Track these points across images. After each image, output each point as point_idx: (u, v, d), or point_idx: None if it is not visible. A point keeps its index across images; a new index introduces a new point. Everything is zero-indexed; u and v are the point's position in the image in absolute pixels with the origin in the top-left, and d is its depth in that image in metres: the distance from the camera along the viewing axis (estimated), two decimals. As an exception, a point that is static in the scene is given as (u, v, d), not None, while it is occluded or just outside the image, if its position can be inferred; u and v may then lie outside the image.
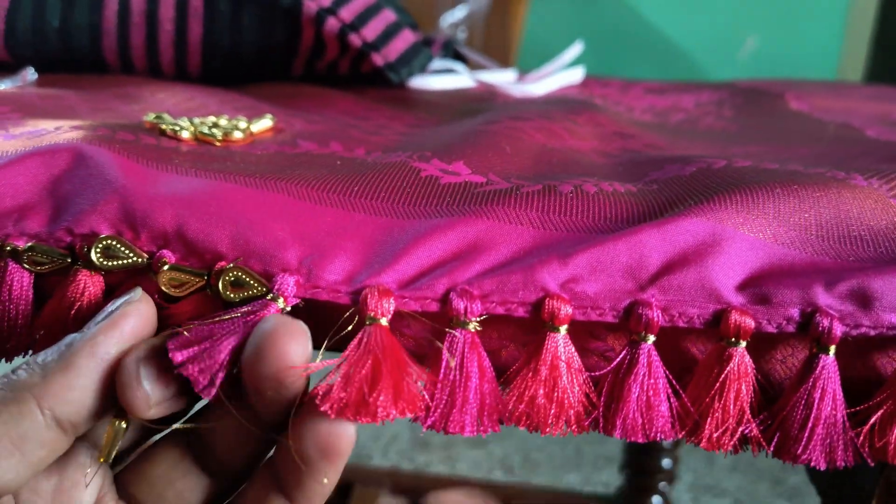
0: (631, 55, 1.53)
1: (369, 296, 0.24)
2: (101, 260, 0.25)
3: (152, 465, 0.27)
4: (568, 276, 0.26)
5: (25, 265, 0.26)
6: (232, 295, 0.25)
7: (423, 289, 0.25)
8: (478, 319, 0.25)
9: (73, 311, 0.26)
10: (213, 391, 0.23)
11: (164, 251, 0.26)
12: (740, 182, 0.31)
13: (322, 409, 0.23)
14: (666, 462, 0.96)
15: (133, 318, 0.24)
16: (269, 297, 0.25)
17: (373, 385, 0.23)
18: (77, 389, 0.23)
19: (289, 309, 0.25)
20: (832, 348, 0.26)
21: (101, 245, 0.25)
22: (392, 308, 0.25)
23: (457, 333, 0.25)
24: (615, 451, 1.35)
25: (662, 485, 0.96)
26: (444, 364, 0.25)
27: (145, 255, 0.26)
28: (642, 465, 0.96)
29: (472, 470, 1.31)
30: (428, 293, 0.25)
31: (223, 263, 0.25)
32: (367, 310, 0.24)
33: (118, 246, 0.26)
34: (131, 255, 0.26)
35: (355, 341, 0.24)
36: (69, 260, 0.26)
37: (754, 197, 0.29)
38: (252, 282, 0.25)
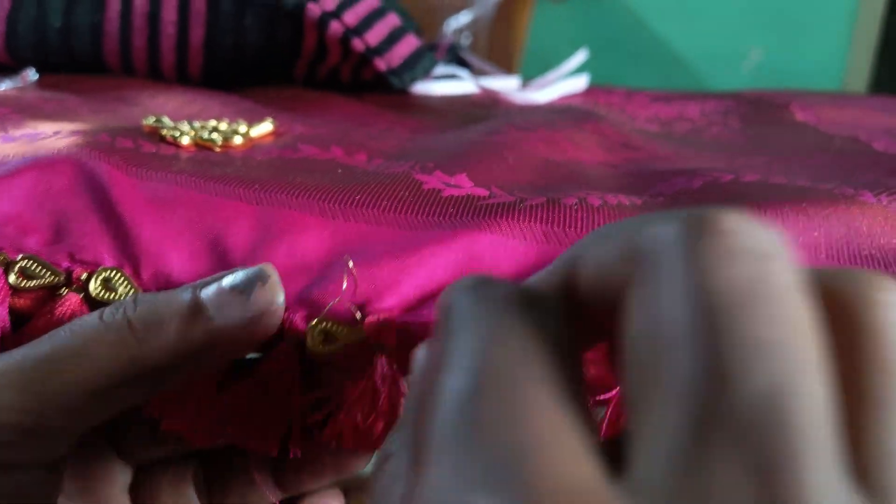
0: (635, 65, 1.53)
1: (376, 325, 0.24)
2: (99, 292, 0.25)
3: (161, 488, 0.27)
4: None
5: (12, 277, 0.25)
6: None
7: (427, 313, 0.25)
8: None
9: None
10: None
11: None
12: (748, 198, 0.30)
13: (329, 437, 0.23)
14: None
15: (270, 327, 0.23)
16: None
17: (374, 416, 0.23)
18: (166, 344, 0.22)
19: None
20: None
21: (101, 277, 0.25)
22: (395, 335, 0.24)
23: None
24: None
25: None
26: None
27: (141, 290, 0.26)
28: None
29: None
30: (432, 316, 0.25)
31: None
32: (373, 339, 0.24)
33: (118, 280, 0.25)
34: (131, 290, 0.25)
35: (363, 373, 0.24)
36: (62, 280, 0.26)
37: (764, 215, 0.29)
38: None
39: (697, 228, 0.12)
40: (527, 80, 0.71)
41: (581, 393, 0.12)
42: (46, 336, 0.22)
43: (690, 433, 0.10)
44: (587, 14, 1.52)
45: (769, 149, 0.53)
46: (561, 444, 0.10)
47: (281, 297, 0.23)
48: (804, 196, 0.31)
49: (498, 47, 1.20)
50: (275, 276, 0.23)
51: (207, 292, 0.22)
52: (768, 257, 0.11)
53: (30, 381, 0.21)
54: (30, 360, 0.21)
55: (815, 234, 0.28)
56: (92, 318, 0.22)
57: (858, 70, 1.51)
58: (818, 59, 1.49)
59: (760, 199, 0.30)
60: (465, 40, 1.17)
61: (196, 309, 0.22)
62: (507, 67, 1.12)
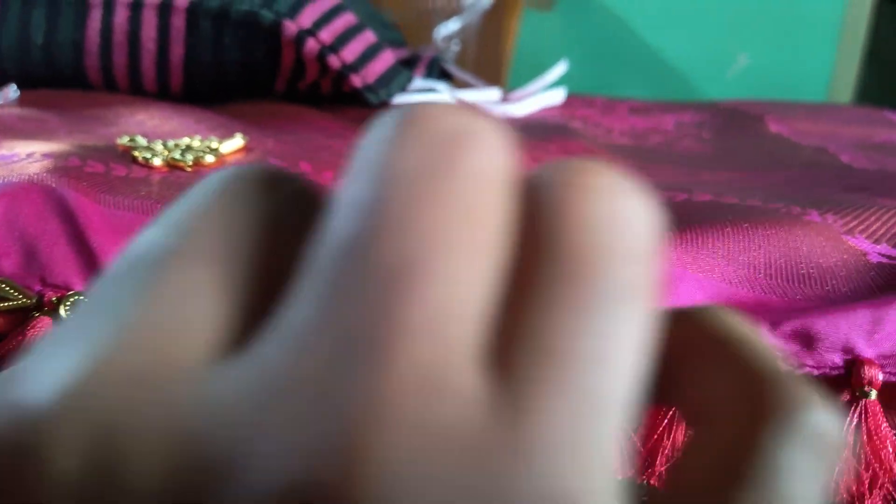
0: (622, 71, 1.54)
1: None
2: (69, 314, 0.26)
3: None
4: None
5: None
6: None
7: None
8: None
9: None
10: None
11: None
12: (694, 220, 0.31)
13: None
14: None
15: None
16: None
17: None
18: None
19: None
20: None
21: (70, 301, 0.27)
22: None
23: None
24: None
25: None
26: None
27: None
28: None
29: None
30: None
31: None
32: None
33: None
34: None
35: None
36: (34, 303, 0.27)
37: (704, 237, 0.30)
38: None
39: (399, 118, 0.11)
40: (515, 87, 0.72)
41: (252, 278, 0.11)
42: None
43: (317, 303, 0.10)
44: (575, 22, 1.54)
45: (735, 163, 0.54)
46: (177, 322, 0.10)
47: None
48: (749, 216, 0.32)
49: (486, 56, 1.21)
50: None
51: None
52: (459, 143, 0.11)
53: None
54: None
55: (755, 253, 0.30)
56: None
57: (844, 77, 1.52)
58: (804, 67, 1.51)
59: (706, 219, 0.31)
60: (454, 48, 1.19)
61: None
62: (495, 76, 1.13)
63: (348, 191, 0.11)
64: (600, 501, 0.10)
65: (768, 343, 0.13)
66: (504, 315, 0.11)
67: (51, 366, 0.10)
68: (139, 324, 0.10)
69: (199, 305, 0.10)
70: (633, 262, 0.11)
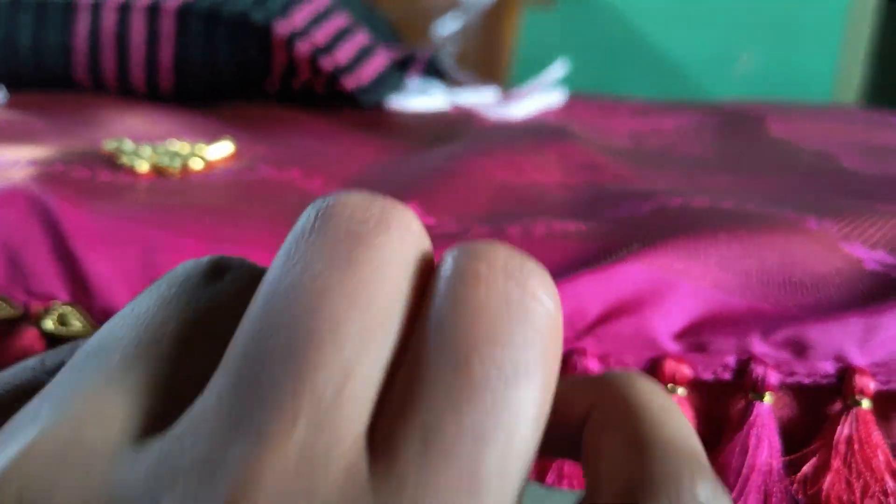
0: (624, 70, 1.54)
1: None
2: (56, 326, 0.26)
3: None
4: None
5: None
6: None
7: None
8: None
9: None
10: None
11: None
12: (688, 227, 0.31)
13: None
14: None
15: None
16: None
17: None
18: None
19: None
20: (767, 395, 0.27)
21: (57, 312, 0.26)
22: None
23: None
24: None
25: None
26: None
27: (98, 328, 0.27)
28: None
29: None
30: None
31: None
32: None
33: (74, 315, 0.26)
34: (87, 325, 0.26)
35: None
36: (19, 314, 0.27)
37: (697, 243, 0.29)
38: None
39: (317, 209, 0.13)
40: (515, 85, 0.72)
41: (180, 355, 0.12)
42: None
43: (219, 389, 0.11)
44: (577, 20, 1.53)
45: (735, 167, 0.54)
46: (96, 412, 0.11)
47: None
48: (744, 223, 0.31)
49: (486, 53, 1.21)
50: None
51: None
52: (364, 237, 0.12)
53: None
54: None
55: (749, 260, 0.29)
56: (36, 360, 0.23)
57: (848, 77, 1.52)
58: (808, 66, 1.50)
59: (700, 226, 0.31)
60: (453, 46, 1.18)
61: None
62: (495, 73, 1.12)
63: (267, 279, 0.12)
64: None
65: (678, 416, 0.13)
66: (393, 398, 0.11)
67: (7, 439, 0.11)
68: (70, 413, 0.11)
69: (118, 399, 0.12)
70: (524, 345, 0.11)
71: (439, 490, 0.10)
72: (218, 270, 0.14)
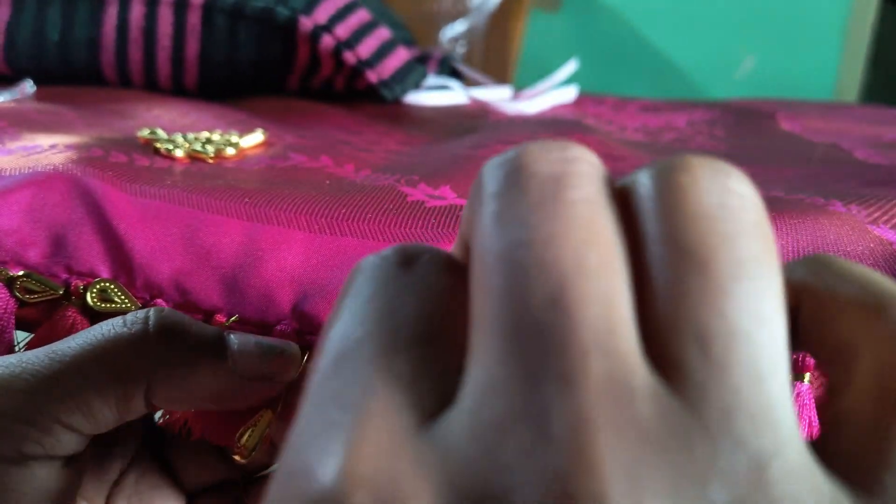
0: (629, 72, 1.54)
1: None
2: (95, 302, 0.26)
3: (131, 482, 0.27)
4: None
5: (16, 292, 0.27)
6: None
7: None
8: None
9: None
10: None
11: (158, 300, 0.27)
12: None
13: None
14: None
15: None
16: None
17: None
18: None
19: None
20: (807, 376, 0.27)
21: (97, 288, 0.26)
22: None
23: None
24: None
25: None
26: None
27: (139, 303, 0.27)
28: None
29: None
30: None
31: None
32: None
33: (114, 290, 0.27)
34: (126, 301, 0.27)
35: None
36: (61, 293, 0.27)
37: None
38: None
39: (505, 168, 0.13)
40: (521, 88, 0.72)
41: (446, 346, 0.13)
42: (71, 337, 0.23)
43: (496, 354, 0.11)
44: (581, 23, 1.54)
45: (751, 159, 0.54)
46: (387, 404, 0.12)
47: (294, 373, 0.24)
48: (774, 206, 0.32)
49: (493, 56, 1.21)
50: (296, 356, 0.24)
51: (234, 336, 0.24)
52: (564, 180, 0.13)
53: (48, 380, 0.21)
54: (56, 360, 0.21)
55: (783, 242, 0.30)
56: (116, 321, 0.23)
57: (850, 78, 1.52)
58: (810, 68, 1.51)
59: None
60: (461, 49, 1.19)
61: (219, 342, 0.23)
62: (502, 76, 1.13)
63: (483, 246, 0.12)
64: (792, 451, 0.11)
65: (877, 274, 0.14)
66: (649, 318, 0.12)
67: (322, 449, 0.11)
68: (373, 408, 0.12)
69: (395, 395, 0.12)
70: (750, 238, 0.12)
71: (731, 389, 0.11)
72: (407, 258, 0.14)
